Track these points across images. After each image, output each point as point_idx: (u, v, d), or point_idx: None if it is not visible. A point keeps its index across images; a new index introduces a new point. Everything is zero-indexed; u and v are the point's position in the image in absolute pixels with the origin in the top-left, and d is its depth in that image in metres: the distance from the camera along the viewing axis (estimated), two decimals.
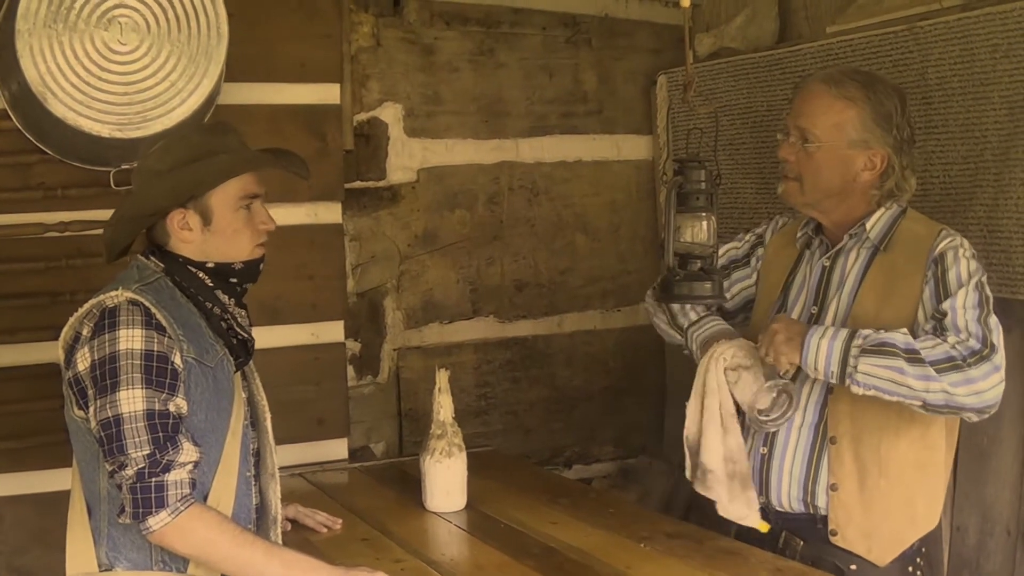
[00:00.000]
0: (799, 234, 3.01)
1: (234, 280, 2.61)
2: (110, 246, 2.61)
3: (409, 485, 3.36)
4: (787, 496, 2.86)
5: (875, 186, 2.80)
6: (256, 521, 2.66)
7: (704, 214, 2.81)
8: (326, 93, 3.84)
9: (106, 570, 2.47)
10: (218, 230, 2.55)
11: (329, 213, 3.88)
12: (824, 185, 2.81)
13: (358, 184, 4.07)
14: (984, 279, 2.67)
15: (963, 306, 2.61)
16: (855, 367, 2.57)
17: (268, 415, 2.73)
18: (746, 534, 2.93)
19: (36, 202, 3.38)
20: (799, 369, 2.71)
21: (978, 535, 3.28)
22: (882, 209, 2.82)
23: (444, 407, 3.20)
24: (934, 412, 2.60)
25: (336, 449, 3.95)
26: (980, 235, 3.08)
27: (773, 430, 2.84)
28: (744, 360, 2.83)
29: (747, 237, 3.17)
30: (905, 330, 2.60)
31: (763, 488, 2.89)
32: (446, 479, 3.19)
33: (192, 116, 3.26)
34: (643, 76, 4.54)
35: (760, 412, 2.78)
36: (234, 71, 3.47)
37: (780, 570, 2.69)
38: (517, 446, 4.33)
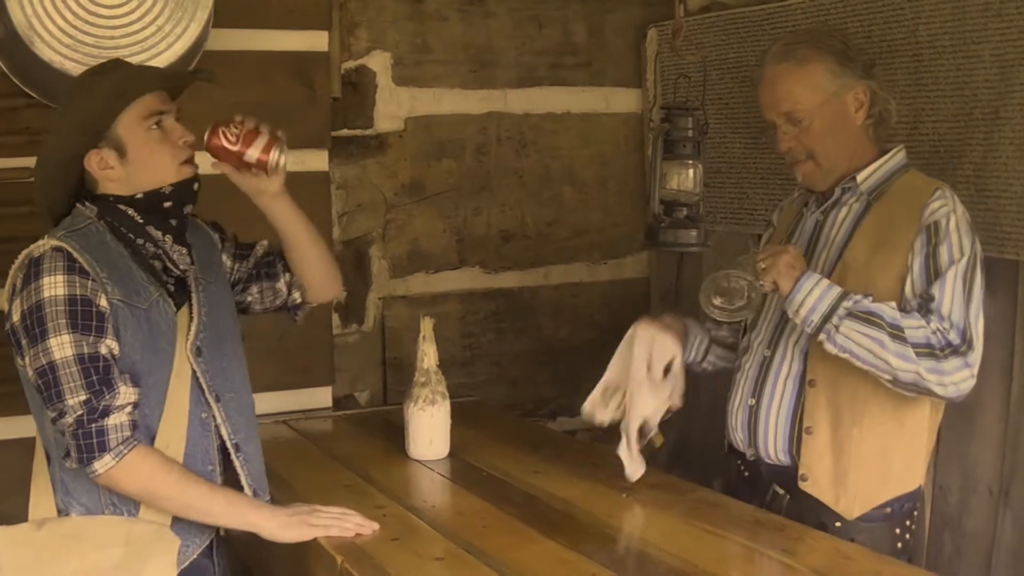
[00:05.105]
0: (796, 195, 3.03)
1: (168, 204, 2.54)
2: (45, 204, 2.55)
3: (393, 433, 3.37)
4: (773, 447, 2.85)
5: (869, 121, 2.79)
6: (223, 461, 2.62)
7: (691, 162, 2.80)
8: (314, 40, 3.82)
9: (63, 515, 2.48)
10: (136, 158, 2.49)
11: (316, 161, 3.86)
12: (835, 147, 2.79)
13: (345, 132, 4.06)
14: (975, 256, 2.66)
15: (951, 291, 2.60)
16: (836, 326, 2.58)
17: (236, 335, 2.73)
18: (732, 488, 2.96)
19: (21, 147, 3.35)
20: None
21: (960, 493, 3.30)
22: (881, 160, 2.81)
23: (428, 355, 3.20)
24: (900, 388, 2.61)
25: (321, 397, 3.97)
26: (968, 193, 3.08)
27: (726, 321, 2.82)
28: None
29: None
30: (894, 304, 2.60)
31: (751, 440, 2.89)
32: (429, 427, 3.20)
33: (179, 61, 3.24)
34: (633, 29, 4.51)
35: (721, 301, 2.68)
36: (222, 17, 3.44)
37: (760, 522, 2.69)
38: (502, 397, 4.34)
